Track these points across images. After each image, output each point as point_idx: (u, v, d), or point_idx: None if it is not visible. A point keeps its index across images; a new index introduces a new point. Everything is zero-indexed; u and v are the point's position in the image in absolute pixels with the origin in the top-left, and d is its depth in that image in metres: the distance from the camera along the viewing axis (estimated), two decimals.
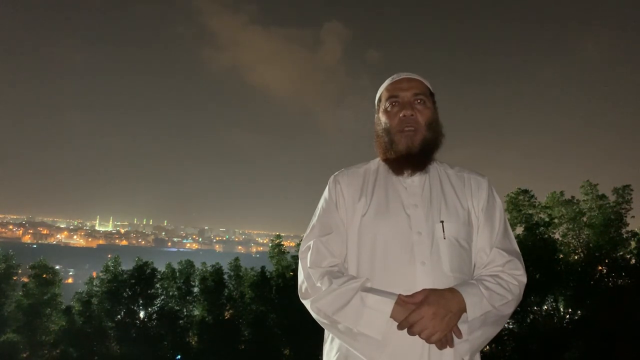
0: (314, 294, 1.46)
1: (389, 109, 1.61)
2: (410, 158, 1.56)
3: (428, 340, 1.32)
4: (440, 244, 1.47)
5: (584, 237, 21.70)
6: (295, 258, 22.99)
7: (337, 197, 1.62)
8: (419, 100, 1.59)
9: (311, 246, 1.55)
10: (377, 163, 1.69)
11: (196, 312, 24.49)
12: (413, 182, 1.59)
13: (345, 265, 1.56)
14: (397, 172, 1.59)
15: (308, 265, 1.52)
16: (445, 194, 1.58)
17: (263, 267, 25.04)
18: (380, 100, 1.68)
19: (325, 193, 1.66)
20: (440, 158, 1.68)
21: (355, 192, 1.61)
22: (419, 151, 1.56)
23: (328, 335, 1.56)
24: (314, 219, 1.63)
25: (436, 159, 1.66)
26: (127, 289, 24.29)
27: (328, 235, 1.56)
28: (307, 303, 1.49)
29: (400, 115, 1.57)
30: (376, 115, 1.68)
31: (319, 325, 1.54)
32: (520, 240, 19.86)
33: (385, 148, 1.61)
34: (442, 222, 1.50)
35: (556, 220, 21.88)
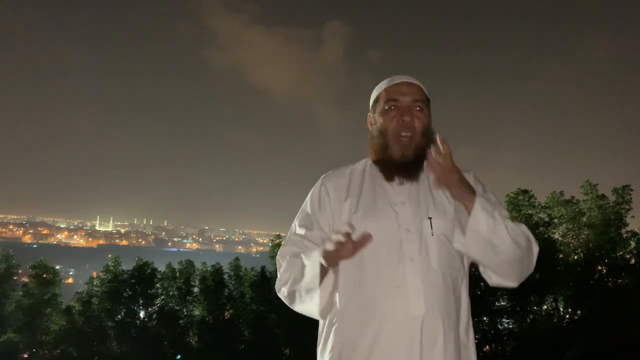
0: (277, 279, 1.59)
1: (387, 110, 1.60)
2: (403, 166, 1.56)
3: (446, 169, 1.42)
4: (429, 240, 1.49)
5: (583, 237, 21.72)
6: None
7: (322, 199, 1.64)
8: (417, 107, 1.58)
9: (285, 243, 1.65)
10: (363, 164, 1.69)
11: (196, 312, 24.52)
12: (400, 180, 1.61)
13: None
14: (388, 178, 1.60)
15: (279, 256, 1.63)
16: (433, 191, 1.58)
17: (263, 267, 25.09)
18: (377, 100, 1.66)
19: (309, 197, 1.69)
20: None
21: (342, 192, 1.62)
22: (412, 160, 1.56)
23: (321, 335, 1.57)
24: (294, 223, 1.67)
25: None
26: (127, 289, 24.33)
27: (303, 236, 1.61)
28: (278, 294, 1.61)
29: (399, 120, 1.56)
30: (371, 114, 1.67)
31: (319, 324, 1.56)
32: None
33: (378, 150, 1.61)
34: (430, 218, 1.51)
35: (556, 220, 21.90)
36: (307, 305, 1.50)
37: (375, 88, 1.70)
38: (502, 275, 1.48)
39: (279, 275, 1.59)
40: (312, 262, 1.44)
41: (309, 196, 1.68)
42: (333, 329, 1.51)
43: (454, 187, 1.43)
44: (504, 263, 1.44)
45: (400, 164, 1.56)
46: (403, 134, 1.55)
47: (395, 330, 1.41)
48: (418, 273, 1.44)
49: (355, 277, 1.49)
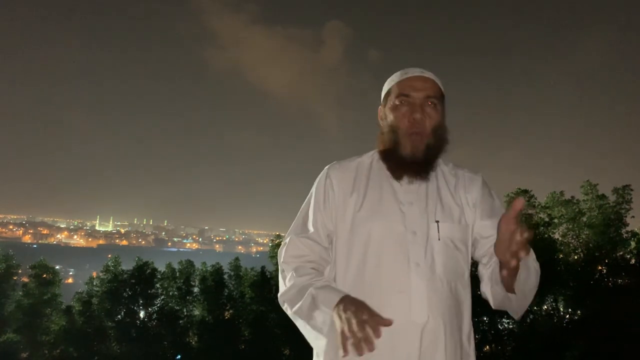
0: (282, 289, 1.45)
1: (398, 106, 1.50)
2: (413, 165, 1.47)
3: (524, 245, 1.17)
4: (435, 245, 1.42)
5: (583, 237, 21.71)
6: None
7: (327, 192, 1.54)
8: (430, 104, 1.49)
9: (287, 242, 1.52)
10: (370, 157, 1.59)
11: (196, 312, 24.52)
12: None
13: (331, 256, 1.51)
14: (397, 177, 1.51)
15: (282, 260, 1.50)
16: (441, 192, 1.52)
17: (263, 267, 25.08)
18: (389, 94, 1.55)
19: (314, 189, 1.58)
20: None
21: (347, 187, 1.52)
22: (422, 159, 1.47)
23: None
24: (298, 216, 1.58)
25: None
26: (127, 289, 24.33)
27: (306, 234, 1.51)
28: (280, 286, 1.49)
29: (410, 117, 1.47)
30: (382, 108, 1.57)
31: None
32: None
33: (388, 147, 1.52)
34: (437, 222, 1.44)
35: (556, 220, 21.88)
36: (310, 338, 1.41)
37: (388, 80, 1.58)
38: (515, 315, 1.45)
39: (283, 285, 1.46)
40: (322, 311, 1.30)
41: (314, 188, 1.58)
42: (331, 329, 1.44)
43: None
44: (523, 309, 1.42)
45: (410, 163, 1.47)
46: (414, 132, 1.47)
47: (394, 337, 1.33)
48: (423, 278, 1.37)
49: (356, 278, 1.42)
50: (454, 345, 1.39)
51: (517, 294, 1.35)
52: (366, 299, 1.36)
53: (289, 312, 1.44)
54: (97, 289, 24.36)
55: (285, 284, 1.46)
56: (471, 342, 1.46)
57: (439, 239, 1.42)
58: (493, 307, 1.47)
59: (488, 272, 1.45)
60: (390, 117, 1.51)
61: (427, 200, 1.48)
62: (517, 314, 1.44)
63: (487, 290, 1.45)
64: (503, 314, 21.22)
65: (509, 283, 1.32)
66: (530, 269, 1.35)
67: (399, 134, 1.48)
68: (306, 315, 1.36)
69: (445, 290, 1.40)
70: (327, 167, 1.60)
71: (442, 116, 1.53)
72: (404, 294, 1.36)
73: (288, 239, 1.54)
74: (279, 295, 1.47)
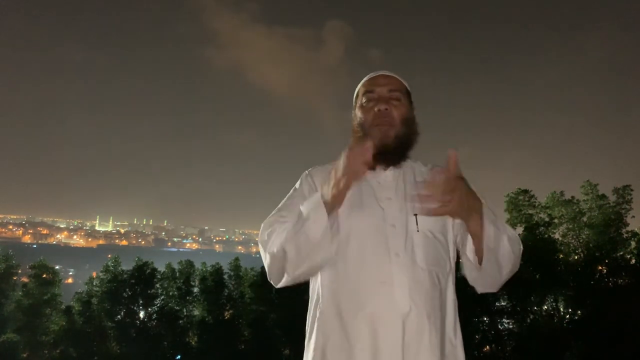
0: (267, 245, 1.50)
1: (364, 104, 1.61)
2: (384, 153, 1.54)
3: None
4: (414, 236, 1.47)
5: (584, 237, 21.69)
6: None
7: (308, 188, 1.62)
8: (394, 97, 1.59)
9: (262, 226, 1.58)
10: None
11: (196, 312, 24.52)
12: (387, 176, 1.59)
13: None
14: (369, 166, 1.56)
15: (259, 239, 1.56)
16: (419, 188, 1.54)
17: (263, 267, 24.99)
18: (357, 96, 1.67)
19: (293, 188, 1.67)
20: (440, 157, 1.62)
21: None
22: (392, 147, 1.55)
23: (307, 330, 1.55)
24: (278, 207, 1.63)
25: (410, 157, 1.64)
26: (127, 289, 24.33)
27: (279, 212, 1.59)
28: (265, 261, 1.53)
29: (375, 109, 1.57)
30: (353, 112, 1.67)
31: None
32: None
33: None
34: (415, 215, 1.50)
35: (556, 221, 21.87)
36: (305, 252, 1.40)
37: (357, 87, 1.70)
38: (494, 288, 1.48)
39: (269, 240, 1.49)
40: (312, 198, 1.42)
41: (293, 187, 1.67)
42: (316, 326, 1.49)
43: (465, 198, 1.35)
44: (502, 279, 1.44)
45: (380, 150, 1.52)
46: (381, 122, 1.55)
47: (377, 327, 1.37)
48: (403, 269, 1.42)
49: (339, 272, 1.47)
50: (439, 336, 1.41)
51: (485, 254, 1.38)
52: (350, 291, 1.44)
53: (274, 252, 1.46)
54: (97, 289, 24.36)
55: (269, 239, 1.50)
56: (457, 333, 1.49)
57: (418, 231, 1.48)
58: (470, 282, 1.49)
59: (464, 251, 1.49)
60: (359, 114, 1.62)
61: (406, 195, 1.55)
62: (492, 285, 1.47)
63: (465, 269, 1.49)
64: (503, 314, 21.25)
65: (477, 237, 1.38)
66: (499, 229, 1.39)
67: (367, 127, 1.58)
68: (298, 223, 1.41)
69: (427, 280, 1.43)
70: (307, 170, 1.70)
71: (409, 109, 1.64)
72: (386, 285, 1.41)
73: (269, 219, 1.59)
74: (264, 248, 1.51)
